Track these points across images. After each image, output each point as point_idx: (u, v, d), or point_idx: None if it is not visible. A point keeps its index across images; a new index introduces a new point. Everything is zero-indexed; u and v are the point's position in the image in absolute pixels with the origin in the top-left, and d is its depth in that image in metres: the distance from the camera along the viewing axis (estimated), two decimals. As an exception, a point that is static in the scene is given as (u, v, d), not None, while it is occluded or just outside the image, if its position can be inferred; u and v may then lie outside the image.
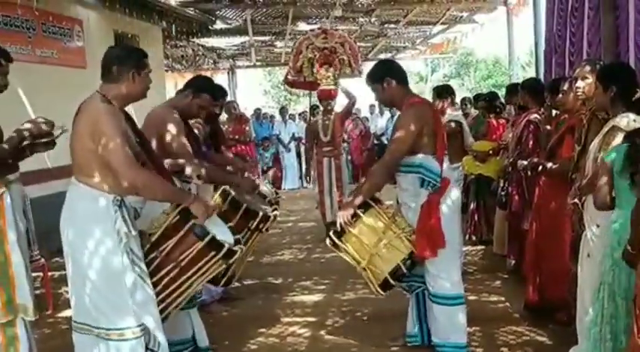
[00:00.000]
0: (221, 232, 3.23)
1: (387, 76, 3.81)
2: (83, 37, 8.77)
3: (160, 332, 3.13)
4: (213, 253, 3.15)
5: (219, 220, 3.37)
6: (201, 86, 4.17)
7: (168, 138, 3.80)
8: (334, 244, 3.63)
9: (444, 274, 3.75)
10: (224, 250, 3.15)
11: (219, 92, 4.93)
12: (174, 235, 3.13)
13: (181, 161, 3.82)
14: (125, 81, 3.10)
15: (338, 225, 3.63)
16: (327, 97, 8.18)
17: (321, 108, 8.29)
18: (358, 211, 3.60)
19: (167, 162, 3.74)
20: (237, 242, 3.31)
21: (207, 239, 3.10)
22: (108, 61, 3.13)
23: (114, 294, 3.01)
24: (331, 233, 3.69)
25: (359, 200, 3.65)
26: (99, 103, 3.04)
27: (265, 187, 4.54)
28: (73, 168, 3.12)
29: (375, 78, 3.86)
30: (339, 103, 8.57)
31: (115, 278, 3.01)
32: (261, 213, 3.93)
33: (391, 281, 3.60)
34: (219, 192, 4.14)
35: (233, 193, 3.64)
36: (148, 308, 3.08)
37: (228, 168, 4.91)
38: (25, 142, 3.31)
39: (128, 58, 3.14)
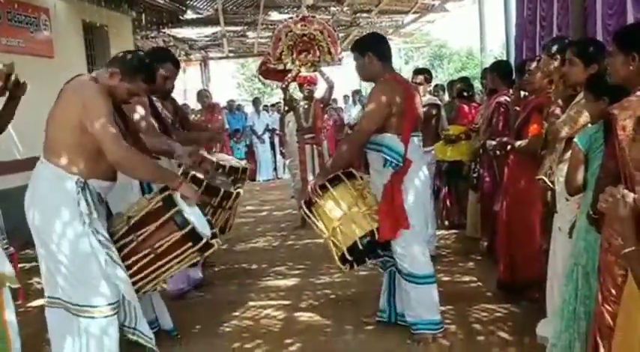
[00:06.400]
0: (200, 224, 3.21)
1: (371, 51, 3.80)
2: (50, 26, 8.59)
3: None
4: (190, 244, 3.13)
5: (198, 210, 3.34)
6: (158, 57, 4.15)
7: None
8: (306, 213, 3.76)
9: (413, 254, 3.77)
10: (202, 243, 3.13)
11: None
12: (155, 221, 3.10)
13: (169, 145, 3.80)
14: (116, 78, 3.10)
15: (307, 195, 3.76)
16: (308, 83, 8.17)
17: (301, 95, 8.26)
18: (328, 184, 3.66)
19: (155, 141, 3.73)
20: (214, 236, 3.28)
21: (187, 229, 3.08)
22: (123, 58, 3.17)
23: (85, 274, 3.01)
24: (302, 202, 3.80)
25: (325, 172, 3.77)
26: (89, 82, 3.06)
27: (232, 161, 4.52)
28: (43, 147, 3.09)
29: (360, 49, 3.85)
30: (320, 89, 8.54)
31: (85, 260, 3.00)
32: (222, 190, 3.89)
33: (347, 256, 3.62)
34: (179, 172, 4.07)
35: (193, 172, 3.61)
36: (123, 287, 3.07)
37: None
38: None
39: (135, 67, 3.15)
